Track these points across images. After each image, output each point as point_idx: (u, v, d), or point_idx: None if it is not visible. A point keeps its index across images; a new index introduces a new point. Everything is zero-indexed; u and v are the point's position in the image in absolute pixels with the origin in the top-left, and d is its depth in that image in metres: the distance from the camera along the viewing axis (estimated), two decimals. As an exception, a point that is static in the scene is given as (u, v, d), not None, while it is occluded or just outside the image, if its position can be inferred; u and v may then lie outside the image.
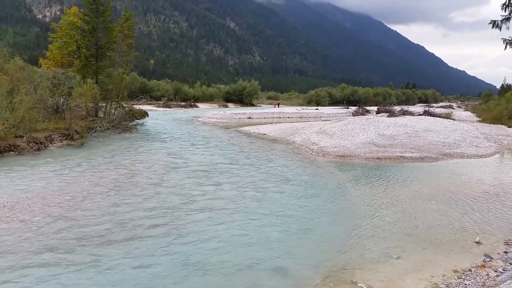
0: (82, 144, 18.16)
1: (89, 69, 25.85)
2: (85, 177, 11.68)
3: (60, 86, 21.52)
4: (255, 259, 6.45)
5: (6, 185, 10.43)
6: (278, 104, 68.59)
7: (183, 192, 10.27)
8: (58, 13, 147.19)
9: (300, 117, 44.10)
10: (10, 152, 14.94)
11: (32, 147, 15.93)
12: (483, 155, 17.32)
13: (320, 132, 21.32)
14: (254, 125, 30.81)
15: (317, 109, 57.75)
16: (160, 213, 8.55)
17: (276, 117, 42.53)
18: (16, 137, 15.78)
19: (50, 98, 20.32)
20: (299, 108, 60.75)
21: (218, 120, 36.24)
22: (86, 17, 26.17)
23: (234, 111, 47.89)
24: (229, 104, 75.75)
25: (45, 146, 16.80)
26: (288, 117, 43.14)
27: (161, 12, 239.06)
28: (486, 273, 5.81)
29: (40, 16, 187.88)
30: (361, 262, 6.40)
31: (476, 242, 7.24)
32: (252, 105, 77.97)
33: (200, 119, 37.17)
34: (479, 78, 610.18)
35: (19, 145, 15.39)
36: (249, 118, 40.39)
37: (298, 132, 23.19)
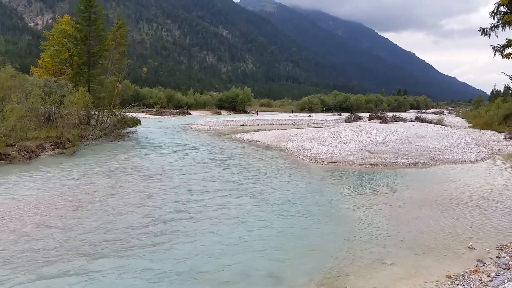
0: (74, 153, 18.03)
1: (81, 77, 25.80)
2: (77, 186, 11.58)
3: (51, 94, 21.42)
4: (249, 266, 6.42)
5: (-4, 195, 10.30)
6: (257, 112, 68.12)
7: (176, 200, 10.22)
8: (50, 21, 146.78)
9: (293, 124, 44.21)
10: (1, 161, 14.79)
11: (23, 155, 15.78)
12: (474, 160, 17.46)
13: (313, 139, 21.38)
14: (247, 132, 30.83)
15: (310, 115, 57.97)
16: (153, 222, 8.49)
17: (269, 124, 42.61)
18: (7, 145, 15.63)
19: (41, 106, 20.21)
20: (292, 115, 60.95)
21: (211, 127, 36.22)
22: (78, 25, 26.18)
23: (227, 118, 47.93)
24: (222, 111, 75.86)
25: (36, 155, 16.65)
26: (281, 124, 43.24)
27: (154, 20, 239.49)
28: (479, 278, 5.83)
29: (32, 24, 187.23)
30: (355, 269, 6.39)
31: (469, 247, 7.27)
32: (245, 112, 78.13)
33: (193, 126, 37.12)
34: (470, 84, 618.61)
35: (10, 154, 15.24)
36: (242, 125, 40.42)
37: (291, 139, 23.23)
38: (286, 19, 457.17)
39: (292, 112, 75.94)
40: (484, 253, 7.00)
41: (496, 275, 5.86)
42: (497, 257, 6.76)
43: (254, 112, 68.37)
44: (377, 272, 6.29)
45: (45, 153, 17.47)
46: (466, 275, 6.02)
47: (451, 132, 23.66)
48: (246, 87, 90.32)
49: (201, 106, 78.44)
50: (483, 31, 25.40)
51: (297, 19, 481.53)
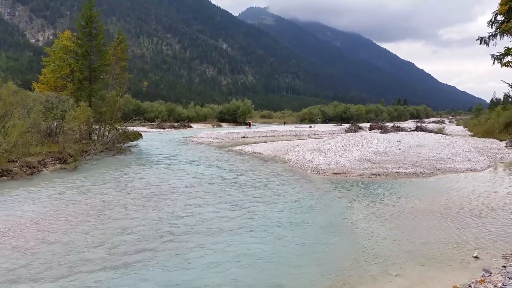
0: (76, 168, 18.03)
1: (82, 92, 25.93)
2: (79, 201, 11.57)
3: (53, 109, 21.51)
4: (252, 277, 6.37)
5: (-2, 211, 10.29)
6: (250, 124, 67.84)
7: (178, 214, 10.19)
8: (51, 37, 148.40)
9: (294, 135, 44.27)
10: (3, 177, 14.79)
11: (25, 171, 15.79)
12: (476, 169, 17.43)
13: (314, 150, 21.38)
14: (248, 144, 30.86)
15: (310, 126, 58.06)
16: (156, 235, 8.45)
17: (270, 136, 42.66)
18: (9, 161, 15.64)
19: (43, 122, 20.27)
20: (292, 126, 61.04)
21: (212, 140, 36.26)
22: (79, 41, 26.41)
23: (228, 131, 48.01)
24: (223, 124, 76.04)
25: (38, 171, 16.65)
26: (282, 135, 43.30)
27: (154, 35, 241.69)
28: (486, 288, 5.78)
29: (33, 40, 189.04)
30: (359, 280, 6.34)
31: (474, 257, 7.21)
32: (246, 124, 78.27)
33: (194, 139, 37.17)
34: (469, 93, 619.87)
35: (12, 170, 15.25)
36: (243, 137, 40.46)
37: (293, 150, 23.24)
38: (285, 32, 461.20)
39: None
40: (490, 263, 6.95)
41: (504, 285, 5.81)
42: (503, 266, 6.71)
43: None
44: (382, 284, 6.23)
45: (47, 168, 17.47)
46: (472, 285, 5.96)
47: (452, 141, 23.65)
48: (246, 99, 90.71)
49: (202, 119, 78.65)
50: (482, 40, 25.50)
51: (295, 31, 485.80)
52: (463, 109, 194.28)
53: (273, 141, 32.59)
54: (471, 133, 40.18)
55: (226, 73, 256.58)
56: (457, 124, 67.46)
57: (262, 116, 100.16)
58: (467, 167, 17.55)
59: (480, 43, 25.49)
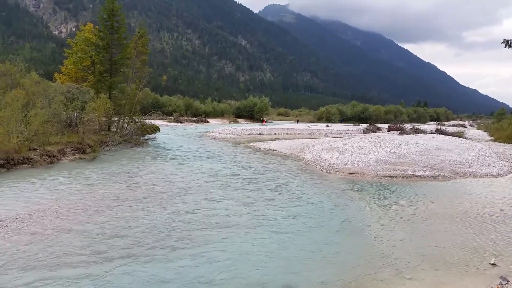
0: (94, 158, 18.32)
1: (102, 84, 26.25)
2: (97, 191, 11.75)
3: (74, 100, 21.88)
4: (264, 276, 6.38)
5: (18, 198, 10.54)
6: (264, 121, 67.91)
7: (193, 208, 10.26)
8: (74, 29, 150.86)
9: (310, 133, 44.04)
10: (24, 165, 15.13)
11: (45, 160, 16.11)
12: (497, 174, 17.04)
13: (330, 149, 21.23)
14: (264, 141, 30.82)
15: (327, 125, 57.68)
16: (171, 228, 8.53)
17: (286, 133, 42.54)
18: (29, 150, 15.99)
19: (63, 112, 20.63)
20: (309, 124, 60.74)
21: (228, 136, 36.35)
22: (101, 34, 26.73)
23: (244, 127, 48.03)
24: (240, 120, 76.11)
25: (57, 159, 16.98)
26: (299, 134, 43.12)
27: (174, 30, 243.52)
28: (503, 296, 5.65)
29: (56, 32, 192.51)
30: (373, 283, 6.27)
31: (491, 264, 7.06)
32: (263, 121, 78.22)
33: (210, 134, 37.33)
34: (491, 97, 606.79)
35: (32, 158, 15.59)
36: (259, 134, 40.44)
37: (309, 149, 23.12)
38: (305, 30, 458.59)
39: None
40: (507, 270, 6.79)
41: (521, 294, 5.67)
42: (522, 274, 6.55)
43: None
44: (395, 286, 6.16)
45: (66, 158, 17.80)
46: (488, 292, 5.84)
47: (472, 145, 23.18)
48: (263, 96, 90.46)
49: (218, 114, 78.87)
50: (507, 43, 24.78)
51: (316, 29, 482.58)
52: (485, 113, 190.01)
53: (289, 139, 32.49)
54: (492, 138, 39.24)
55: (244, 70, 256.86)
56: (478, 128, 66.01)
57: (279, 114, 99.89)
58: (487, 172, 17.18)
59: (506, 46, 24.82)
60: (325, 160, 18.77)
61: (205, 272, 6.44)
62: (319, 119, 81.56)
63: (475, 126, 79.00)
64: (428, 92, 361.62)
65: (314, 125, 57.63)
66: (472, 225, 9.40)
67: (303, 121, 78.48)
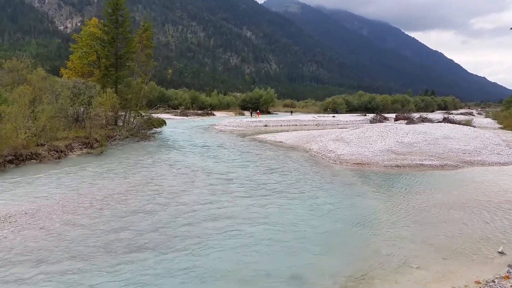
0: (102, 153, 18.44)
1: (108, 79, 26.33)
2: (104, 185, 11.84)
3: (80, 95, 21.98)
4: (272, 267, 6.40)
5: (27, 193, 10.66)
6: (259, 113, 66.01)
7: (201, 201, 10.31)
8: (79, 24, 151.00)
9: (316, 124, 43.88)
10: (32, 160, 15.28)
11: (52, 155, 16.26)
12: (505, 163, 16.87)
13: (337, 140, 21.16)
14: (270, 133, 30.79)
15: (334, 116, 57.40)
16: (179, 222, 8.59)
17: (292, 125, 42.43)
18: (37, 145, 16.14)
19: (70, 107, 20.76)
20: (315, 115, 60.50)
21: (234, 128, 36.35)
22: (106, 28, 26.74)
23: (250, 119, 48.00)
24: (246, 112, 76.01)
25: (65, 154, 17.12)
26: (305, 125, 42.99)
27: (179, 23, 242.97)
28: (511, 284, 5.63)
29: (61, 27, 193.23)
30: (380, 272, 6.28)
31: (499, 252, 7.02)
32: (269, 113, 77.99)
33: (216, 127, 37.36)
34: (500, 84, 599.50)
35: (40, 153, 15.73)
36: (266, 126, 40.38)
37: (315, 140, 23.06)
38: (310, 20, 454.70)
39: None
40: (515, 259, 6.75)
41: (529, 282, 5.64)
42: (530, 263, 6.51)
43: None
44: (403, 276, 6.16)
45: (74, 152, 17.94)
46: (496, 281, 5.82)
47: (480, 133, 22.95)
48: (269, 88, 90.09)
49: (224, 107, 78.80)
50: (516, 29, 24.25)
51: (321, 19, 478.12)
52: (493, 101, 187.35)
53: (295, 130, 32.42)
54: (501, 126, 38.83)
55: (249, 62, 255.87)
56: (486, 116, 65.28)
57: (285, 105, 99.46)
58: (495, 160, 17.02)
59: (514, 32, 24.41)
60: (331, 151, 18.72)
61: (212, 263, 6.48)
62: (325, 110, 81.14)
63: (484, 114, 78.13)
64: (435, 80, 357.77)
65: (320, 116, 57.37)
66: (480, 214, 9.34)
67: (309, 112, 78.12)
